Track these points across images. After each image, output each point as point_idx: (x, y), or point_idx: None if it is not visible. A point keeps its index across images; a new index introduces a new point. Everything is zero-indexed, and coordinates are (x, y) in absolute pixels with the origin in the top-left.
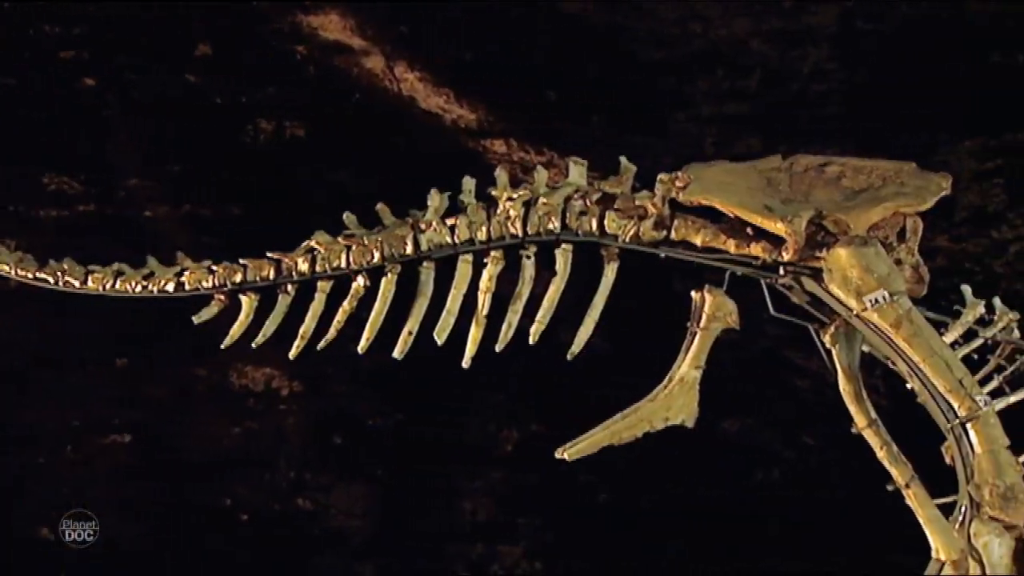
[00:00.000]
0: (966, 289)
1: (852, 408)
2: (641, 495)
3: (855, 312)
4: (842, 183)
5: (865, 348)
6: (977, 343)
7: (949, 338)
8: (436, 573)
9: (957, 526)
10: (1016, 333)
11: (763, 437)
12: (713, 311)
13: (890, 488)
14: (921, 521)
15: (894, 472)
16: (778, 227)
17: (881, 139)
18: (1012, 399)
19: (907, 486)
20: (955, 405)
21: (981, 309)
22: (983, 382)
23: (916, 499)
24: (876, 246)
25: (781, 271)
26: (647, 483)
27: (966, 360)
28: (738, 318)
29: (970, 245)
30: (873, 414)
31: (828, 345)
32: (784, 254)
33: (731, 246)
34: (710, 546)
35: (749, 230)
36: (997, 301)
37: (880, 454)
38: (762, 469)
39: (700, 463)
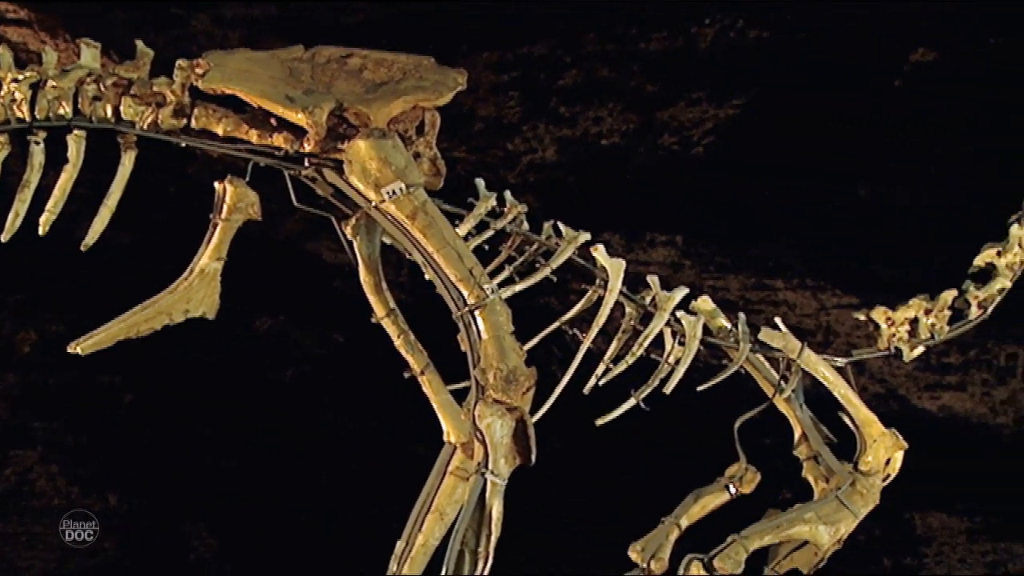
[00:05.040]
0: (479, 182)
1: (372, 299)
2: (168, 395)
3: (374, 204)
4: (364, 75)
5: (386, 240)
6: (488, 234)
7: (463, 230)
8: None
9: (466, 410)
10: (526, 225)
11: (295, 335)
12: (235, 202)
13: (407, 376)
14: (435, 407)
15: (410, 360)
16: (299, 118)
17: (404, 48)
18: (518, 287)
19: (422, 373)
20: (465, 294)
21: (493, 202)
22: (494, 273)
23: (431, 385)
24: (395, 139)
25: (305, 163)
26: (174, 383)
27: (478, 251)
28: (260, 209)
29: (487, 156)
30: (392, 304)
31: (349, 237)
32: (306, 145)
33: (253, 136)
34: (250, 444)
35: (272, 121)
36: (507, 194)
37: (397, 343)
38: (294, 366)
39: (233, 361)
